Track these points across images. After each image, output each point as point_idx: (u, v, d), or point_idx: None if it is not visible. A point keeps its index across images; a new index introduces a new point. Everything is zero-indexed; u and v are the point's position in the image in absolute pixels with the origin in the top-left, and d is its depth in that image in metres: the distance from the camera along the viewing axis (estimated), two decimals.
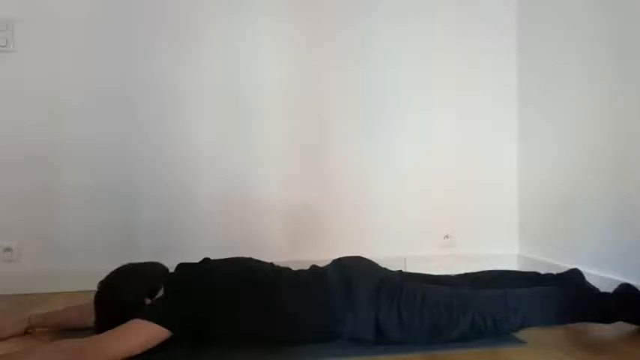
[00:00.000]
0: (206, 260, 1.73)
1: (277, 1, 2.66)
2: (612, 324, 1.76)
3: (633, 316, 1.78)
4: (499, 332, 1.68)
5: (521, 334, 1.69)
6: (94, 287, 1.65)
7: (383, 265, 1.82)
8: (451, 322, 1.61)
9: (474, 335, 1.64)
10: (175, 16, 2.58)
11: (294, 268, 1.77)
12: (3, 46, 2.44)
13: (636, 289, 1.80)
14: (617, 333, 1.79)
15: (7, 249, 2.45)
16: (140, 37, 2.55)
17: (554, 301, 1.75)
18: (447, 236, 2.79)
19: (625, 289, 1.82)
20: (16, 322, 1.78)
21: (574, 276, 1.94)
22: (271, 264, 1.76)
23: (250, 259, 1.74)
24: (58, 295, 2.26)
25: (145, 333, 1.44)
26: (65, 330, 1.75)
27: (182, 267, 1.70)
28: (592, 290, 1.83)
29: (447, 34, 2.78)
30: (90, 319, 1.65)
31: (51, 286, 2.37)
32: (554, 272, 2.00)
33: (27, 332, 1.77)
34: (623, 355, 1.60)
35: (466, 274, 1.96)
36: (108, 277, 1.64)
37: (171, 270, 1.71)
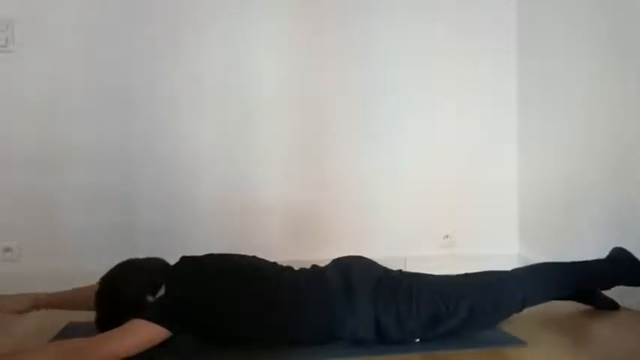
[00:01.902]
0: (209, 255, 1.72)
1: (277, 1, 2.66)
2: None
3: (630, 279, 1.82)
4: (500, 315, 1.70)
5: (522, 334, 1.68)
6: None
7: (383, 265, 1.81)
8: (448, 311, 1.61)
9: (473, 322, 1.64)
10: (175, 16, 2.58)
11: (295, 268, 1.77)
12: (3, 46, 2.44)
13: (629, 252, 1.88)
14: (618, 332, 1.79)
15: (7, 249, 2.45)
16: (140, 38, 2.55)
17: (552, 274, 1.77)
18: (447, 236, 2.79)
19: (619, 253, 1.85)
20: (22, 298, 1.75)
21: None
22: (274, 263, 1.76)
23: (253, 257, 1.74)
24: None
25: (146, 333, 1.44)
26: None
27: (184, 261, 1.69)
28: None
29: (447, 34, 2.79)
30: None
31: (51, 286, 2.32)
32: None
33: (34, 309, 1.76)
34: (623, 355, 1.60)
35: (466, 275, 1.96)
36: (109, 273, 1.63)
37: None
